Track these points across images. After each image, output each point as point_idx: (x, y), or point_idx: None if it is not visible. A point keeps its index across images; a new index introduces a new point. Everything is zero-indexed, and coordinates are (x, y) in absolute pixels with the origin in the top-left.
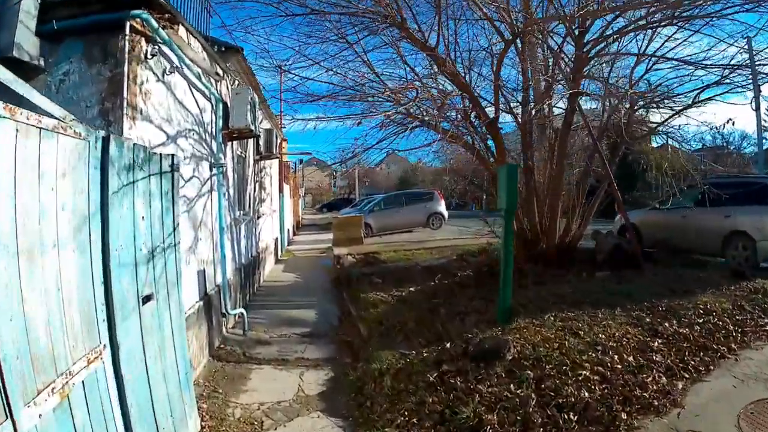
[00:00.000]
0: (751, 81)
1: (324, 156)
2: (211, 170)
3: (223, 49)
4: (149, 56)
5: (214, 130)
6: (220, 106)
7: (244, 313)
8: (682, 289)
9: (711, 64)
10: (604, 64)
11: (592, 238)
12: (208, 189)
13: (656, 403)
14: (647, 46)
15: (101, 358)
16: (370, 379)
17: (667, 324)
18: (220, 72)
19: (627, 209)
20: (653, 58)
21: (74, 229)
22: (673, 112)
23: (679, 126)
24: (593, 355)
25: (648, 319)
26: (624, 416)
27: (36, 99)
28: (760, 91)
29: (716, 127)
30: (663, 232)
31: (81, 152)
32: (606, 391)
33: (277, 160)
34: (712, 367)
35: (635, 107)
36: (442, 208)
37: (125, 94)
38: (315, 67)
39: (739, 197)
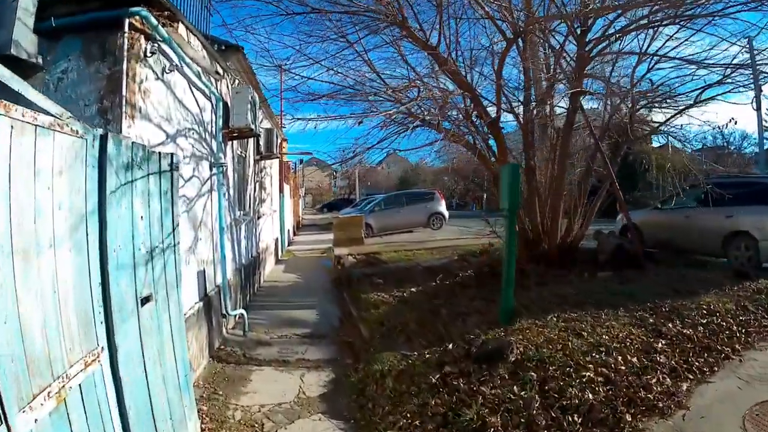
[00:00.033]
0: (752, 80)
1: (324, 156)
2: (211, 170)
3: (224, 47)
4: (148, 54)
5: (214, 129)
6: (220, 105)
7: (245, 313)
8: (685, 290)
9: (713, 64)
10: (606, 64)
11: (594, 238)
12: (208, 189)
13: (661, 405)
14: (649, 46)
15: (99, 361)
16: (372, 381)
17: (670, 325)
18: (220, 71)
19: (629, 209)
20: (655, 58)
21: (71, 229)
22: (675, 111)
23: (681, 126)
24: (597, 356)
25: (651, 320)
26: (629, 418)
27: (32, 96)
28: (761, 91)
29: (719, 127)
30: (665, 232)
31: (78, 150)
32: (610, 392)
33: (278, 159)
34: (716, 368)
35: (637, 107)
36: (442, 208)
37: (124, 93)
38: (315, 67)
39: (741, 197)
